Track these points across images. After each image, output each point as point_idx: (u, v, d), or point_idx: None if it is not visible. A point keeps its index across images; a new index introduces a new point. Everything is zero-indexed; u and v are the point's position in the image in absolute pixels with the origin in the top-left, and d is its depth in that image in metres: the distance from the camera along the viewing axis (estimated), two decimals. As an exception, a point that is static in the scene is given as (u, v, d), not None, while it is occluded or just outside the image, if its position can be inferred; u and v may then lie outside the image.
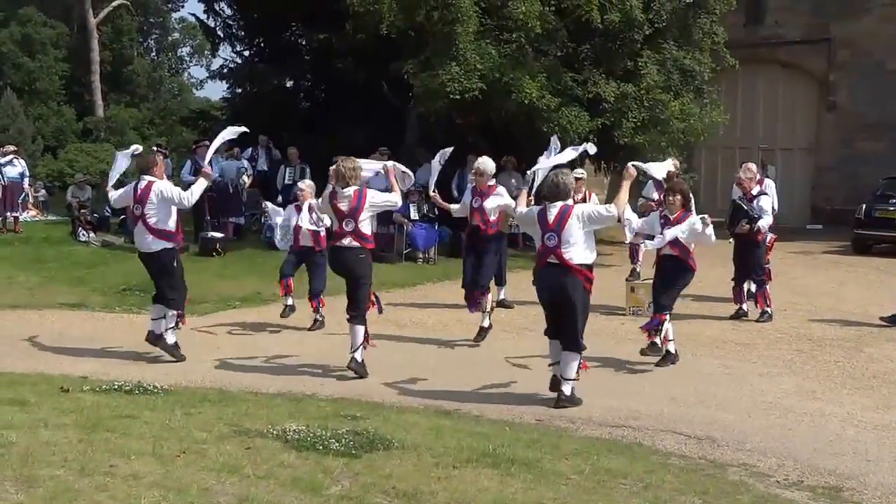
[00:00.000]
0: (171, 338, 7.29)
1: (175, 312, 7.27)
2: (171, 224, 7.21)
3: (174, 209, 7.19)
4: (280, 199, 14.42)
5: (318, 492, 3.75)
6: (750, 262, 9.05)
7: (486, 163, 8.47)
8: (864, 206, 14.97)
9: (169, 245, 7.22)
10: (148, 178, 7.19)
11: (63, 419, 4.62)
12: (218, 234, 13.58)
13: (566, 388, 5.97)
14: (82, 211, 14.66)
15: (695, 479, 4.47)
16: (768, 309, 9.04)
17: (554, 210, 6.00)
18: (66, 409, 4.88)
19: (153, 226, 7.10)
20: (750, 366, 7.34)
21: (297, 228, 8.67)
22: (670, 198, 7.41)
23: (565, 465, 4.43)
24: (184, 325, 7.46)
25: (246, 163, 14.59)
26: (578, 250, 5.93)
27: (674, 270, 7.28)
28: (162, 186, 7.16)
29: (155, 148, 14.25)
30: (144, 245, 7.24)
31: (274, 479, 3.84)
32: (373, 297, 6.97)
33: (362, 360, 6.75)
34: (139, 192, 7.18)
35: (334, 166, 6.93)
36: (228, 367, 7.05)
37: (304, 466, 4.05)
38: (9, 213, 14.53)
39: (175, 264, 7.28)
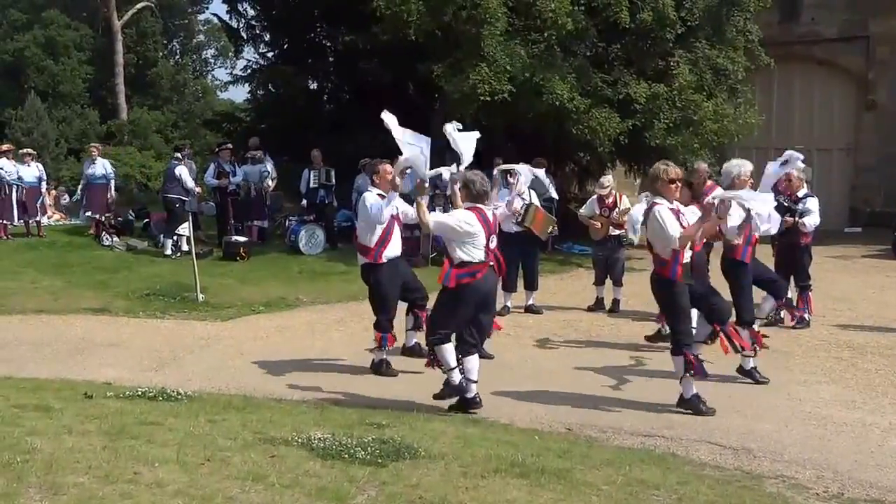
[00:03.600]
0: (377, 355, 7.00)
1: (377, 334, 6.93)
2: (367, 239, 6.83)
3: (373, 224, 6.75)
4: (304, 202, 14.44)
5: (344, 501, 3.70)
6: (794, 267, 8.78)
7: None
8: (904, 208, 14.61)
9: (365, 260, 6.87)
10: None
11: (87, 426, 4.62)
12: (242, 238, 13.63)
13: None
14: (106, 215, 14.76)
15: (730, 491, 4.35)
16: (807, 316, 8.79)
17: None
18: (90, 415, 4.88)
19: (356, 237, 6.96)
20: (787, 374, 7.15)
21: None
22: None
23: (597, 476, 4.33)
24: (390, 346, 7.00)
25: (270, 166, 14.61)
26: None
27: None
28: (365, 196, 6.87)
29: (178, 156, 14.27)
30: None
31: (299, 488, 3.79)
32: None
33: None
34: None
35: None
36: (252, 374, 7.03)
37: (330, 475, 4.00)
38: (31, 220, 14.59)
39: (372, 282, 6.86)
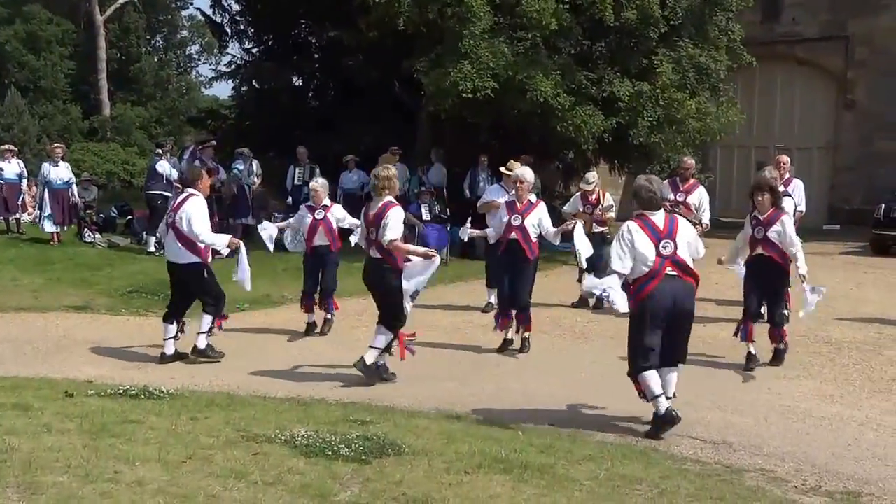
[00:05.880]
0: (202, 342, 7.37)
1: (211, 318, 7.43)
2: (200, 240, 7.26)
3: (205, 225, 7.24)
4: (290, 199, 14.38)
5: (327, 498, 3.70)
6: None
7: (527, 173, 7.86)
8: (882, 206, 14.75)
9: (194, 259, 7.28)
10: (190, 191, 7.39)
11: (67, 424, 4.57)
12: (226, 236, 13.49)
13: None
14: (88, 211, 14.52)
15: (711, 484, 4.40)
16: (785, 311, 8.87)
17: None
18: (71, 414, 4.83)
19: (185, 236, 7.18)
20: (766, 369, 7.23)
21: (313, 228, 8.54)
22: (759, 197, 7.21)
23: (579, 471, 4.36)
24: (218, 329, 7.55)
25: (255, 164, 14.52)
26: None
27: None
28: (192, 208, 7.21)
29: (159, 151, 14.12)
30: (173, 255, 7.38)
31: (282, 486, 3.78)
32: None
33: (378, 364, 6.70)
34: (176, 203, 7.40)
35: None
36: (236, 371, 7.00)
37: (313, 472, 4.00)
38: (11, 216, 14.28)
39: (206, 276, 7.38)
